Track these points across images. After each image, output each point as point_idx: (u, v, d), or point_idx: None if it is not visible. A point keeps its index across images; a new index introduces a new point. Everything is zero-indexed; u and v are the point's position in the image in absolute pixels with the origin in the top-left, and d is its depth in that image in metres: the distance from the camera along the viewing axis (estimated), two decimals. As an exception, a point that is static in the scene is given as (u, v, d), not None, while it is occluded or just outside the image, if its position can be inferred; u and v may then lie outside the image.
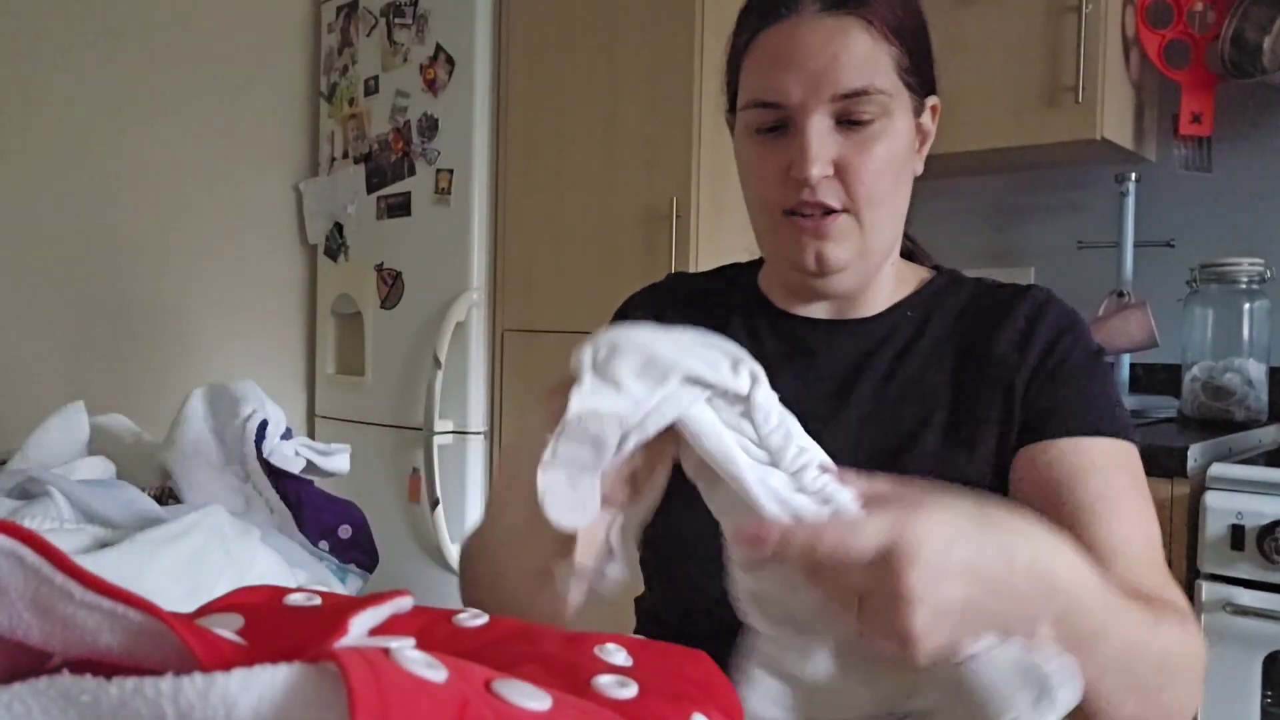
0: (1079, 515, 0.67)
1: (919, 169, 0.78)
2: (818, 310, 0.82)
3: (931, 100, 0.77)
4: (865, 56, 0.70)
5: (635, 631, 0.87)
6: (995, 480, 0.73)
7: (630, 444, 0.48)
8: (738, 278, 0.89)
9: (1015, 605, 0.47)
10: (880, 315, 0.80)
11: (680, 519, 0.78)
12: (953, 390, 0.75)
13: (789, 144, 0.72)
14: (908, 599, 0.43)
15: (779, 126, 0.73)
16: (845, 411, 0.77)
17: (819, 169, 0.71)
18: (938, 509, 0.46)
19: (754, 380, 0.48)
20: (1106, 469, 0.69)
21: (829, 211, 0.73)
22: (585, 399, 0.47)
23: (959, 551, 0.45)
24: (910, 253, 0.87)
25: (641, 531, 0.57)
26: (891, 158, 0.73)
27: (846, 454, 0.74)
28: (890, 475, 0.70)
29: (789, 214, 0.74)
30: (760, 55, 0.73)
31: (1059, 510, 0.68)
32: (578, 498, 0.48)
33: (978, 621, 0.46)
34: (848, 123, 0.71)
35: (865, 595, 0.45)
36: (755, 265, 0.89)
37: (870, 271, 0.78)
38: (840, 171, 0.72)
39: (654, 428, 0.48)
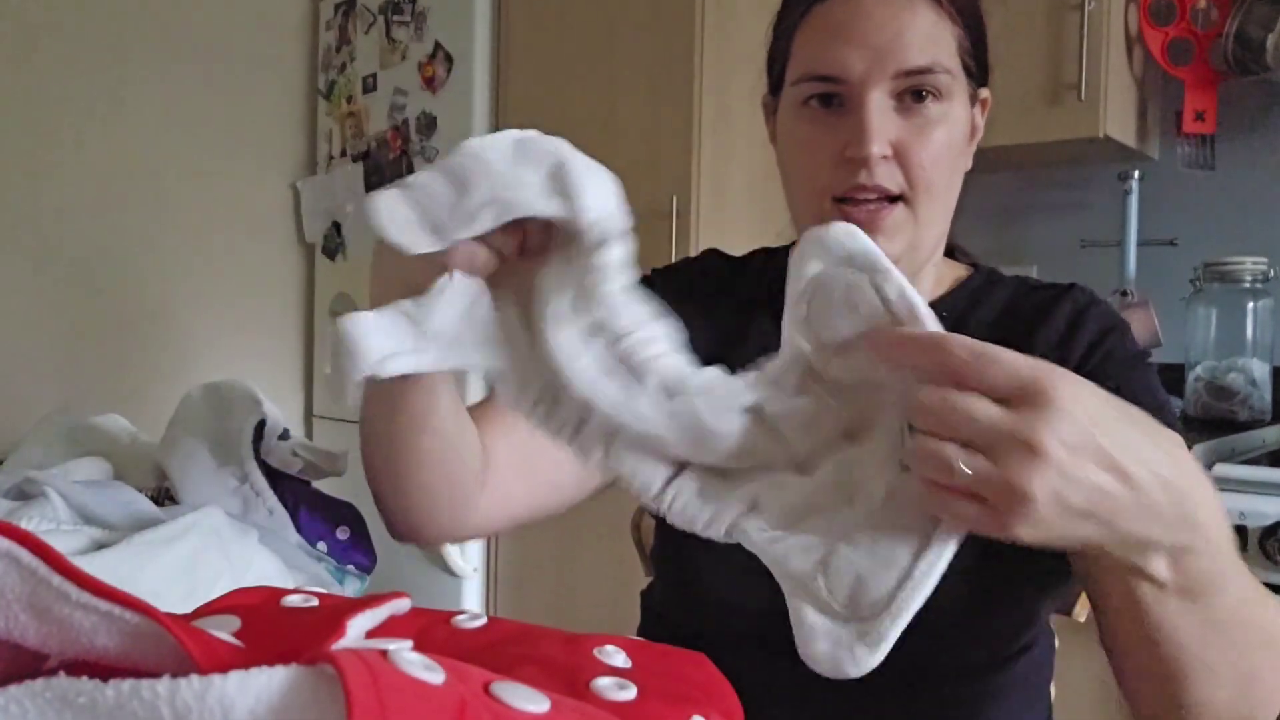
0: None
1: (968, 164, 0.74)
2: None
3: (984, 93, 0.75)
4: (931, 34, 0.68)
5: (639, 629, 0.87)
6: None
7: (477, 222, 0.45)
8: (768, 264, 0.84)
9: (1142, 517, 0.41)
10: None
11: None
12: None
13: (844, 123, 0.69)
14: (1041, 452, 0.37)
15: (833, 103, 0.70)
16: None
17: (879, 147, 0.67)
18: (1083, 382, 0.41)
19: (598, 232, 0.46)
20: None
21: (884, 200, 0.69)
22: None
23: (1103, 431, 0.39)
24: (949, 249, 0.83)
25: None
26: (950, 143, 0.70)
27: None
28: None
29: (839, 202, 0.70)
30: (819, 28, 0.70)
31: None
32: (418, 220, 0.45)
33: (1095, 521, 0.40)
34: (908, 103, 0.68)
35: (981, 439, 0.39)
36: (786, 250, 0.86)
37: (916, 269, 0.74)
38: (898, 154, 0.68)
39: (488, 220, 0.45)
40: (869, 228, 0.69)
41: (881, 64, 0.67)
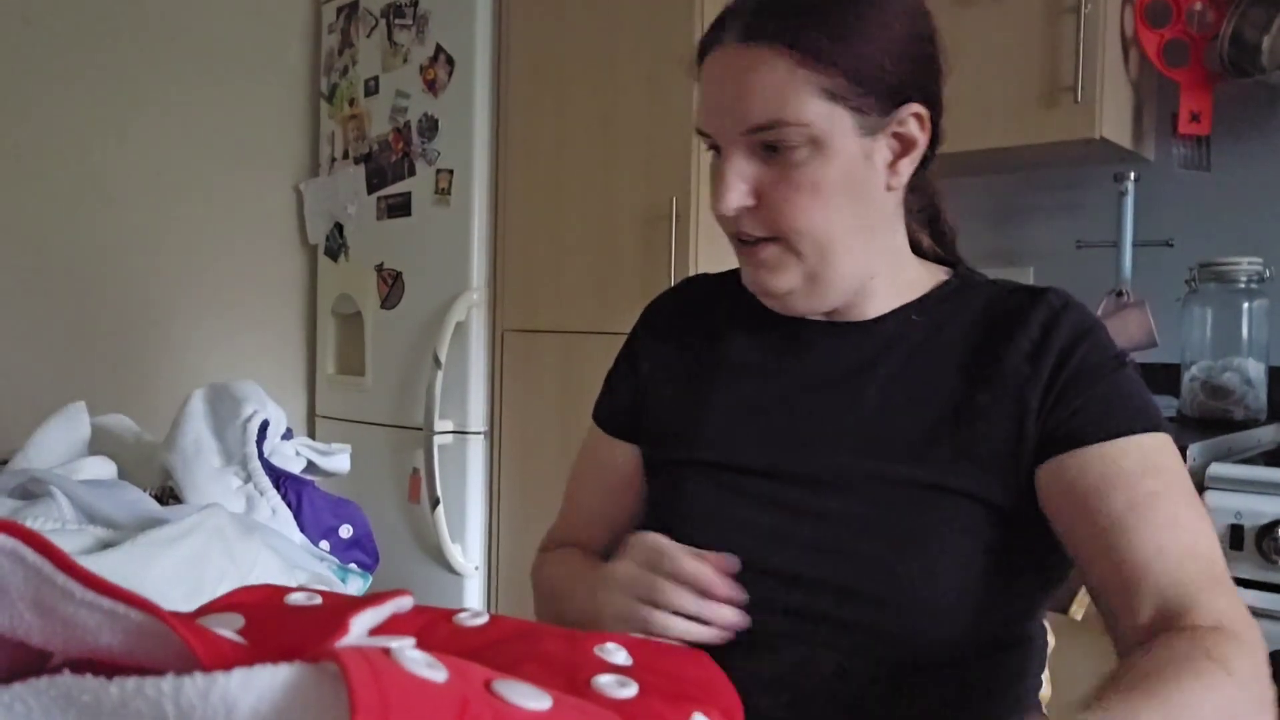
0: (1110, 531, 0.65)
1: (896, 183, 0.74)
2: (816, 314, 0.80)
3: (909, 109, 0.72)
4: (777, 88, 0.69)
5: None
6: (1005, 497, 0.70)
7: None
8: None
9: None
10: (884, 318, 0.78)
11: (670, 518, 0.78)
12: (962, 400, 0.72)
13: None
14: None
15: (719, 150, 0.74)
16: (846, 417, 0.75)
17: (732, 201, 0.71)
18: None
19: None
20: (1134, 474, 0.66)
21: (761, 240, 0.73)
22: None
23: None
24: (942, 247, 0.85)
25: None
26: (821, 184, 0.71)
27: (849, 461, 0.74)
28: (897, 486, 0.71)
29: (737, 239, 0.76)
30: (702, 82, 0.74)
31: (1093, 525, 0.66)
32: None
33: None
34: (771, 151, 0.70)
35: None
36: None
37: (833, 294, 0.76)
38: (762, 201, 0.72)
39: None
40: (753, 264, 0.75)
41: (731, 123, 0.71)
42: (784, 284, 0.74)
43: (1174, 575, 0.63)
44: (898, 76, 0.71)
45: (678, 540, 0.71)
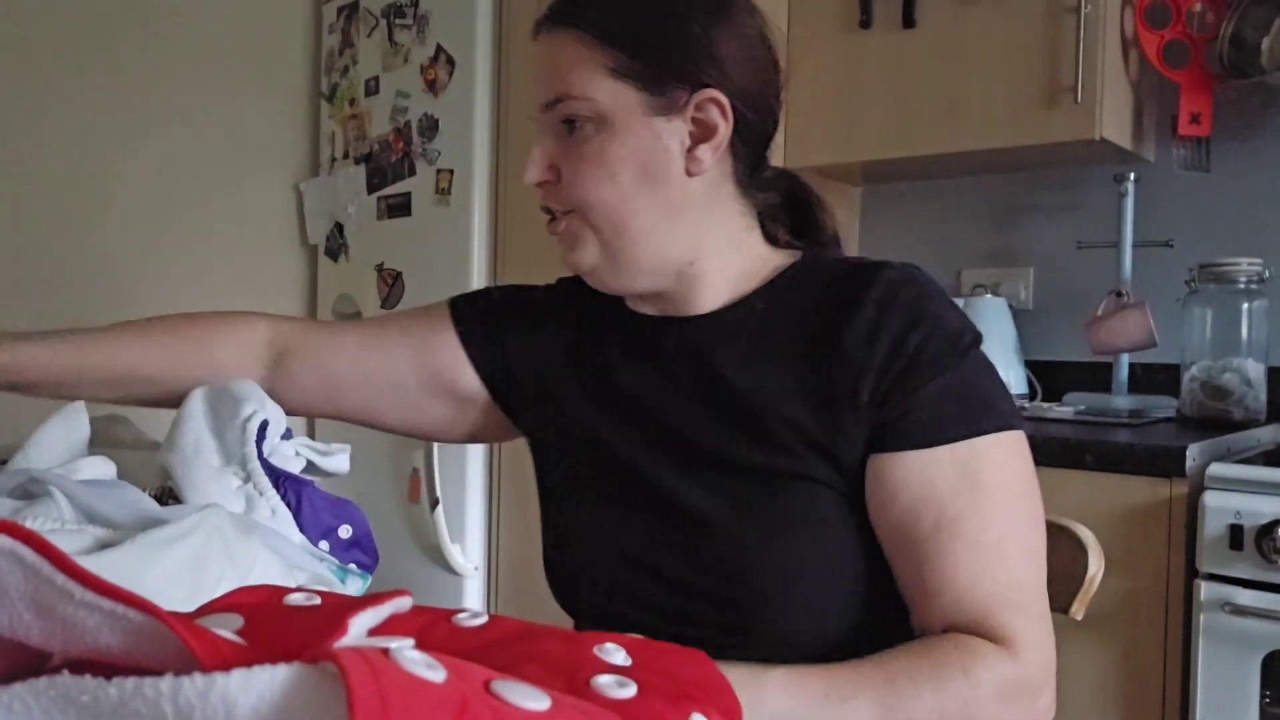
0: (914, 549, 0.67)
1: (697, 169, 0.73)
2: (649, 308, 0.80)
3: (705, 94, 0.72)
4: (565, 67, 0.72)
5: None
6: (858, 485, 0.70)
7: None
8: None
9: None
10: (723, 310, 0.77)
11: (591, 519, 0.78)
12: (809, 391, 0.70)
13: None
14: None
15: None
16: (699, 414, 0.74)
17: (530, 175, 0.75)
18: None
19: None
20: (945, 493, 0.66)
21: (563, 213, 0.76)
22: None
23: None
24: (820, 240, 0.83)
25: None
26: (605, 159, 0.72)
27: (707, 459, 0.72)
28: (758, 485, 0.70)
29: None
30: None
31: (899, 539, 0.68)
32: None
33: None
34: (570, 128, 0.73)
35: None
36: None
37: (640, 274, 0.75)
38: (559, 176, 0.75)
39: None
40: (558, 241, 0.78)
41: (536, 100, 0.74)
42: (585, 259, 0.76)
43: (964, 600, 0.65)
44: (693, 61, 0.72)
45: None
